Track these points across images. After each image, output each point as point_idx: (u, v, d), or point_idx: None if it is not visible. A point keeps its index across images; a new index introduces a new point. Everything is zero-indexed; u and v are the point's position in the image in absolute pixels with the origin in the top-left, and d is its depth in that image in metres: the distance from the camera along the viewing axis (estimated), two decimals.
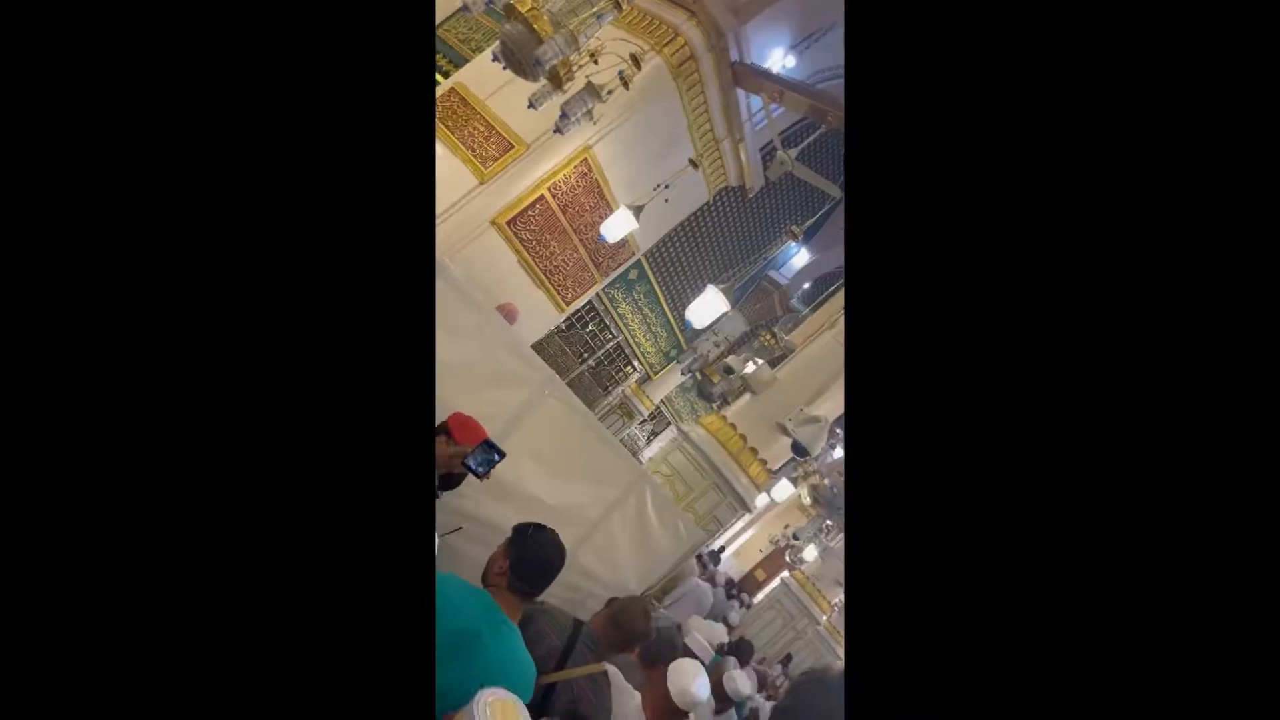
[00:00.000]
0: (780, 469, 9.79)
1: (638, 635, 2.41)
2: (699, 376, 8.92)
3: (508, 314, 4.39)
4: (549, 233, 6.66)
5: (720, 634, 6.15)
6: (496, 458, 2.46)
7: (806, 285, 10.21)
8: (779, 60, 7.11)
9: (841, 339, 5.28)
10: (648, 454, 9.99)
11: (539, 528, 2.12)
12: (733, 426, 5.21)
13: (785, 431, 4.97)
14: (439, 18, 7.40)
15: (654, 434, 10.62)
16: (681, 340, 9.64)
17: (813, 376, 5.27)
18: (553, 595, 2.55)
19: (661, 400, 10.21)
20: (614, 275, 7.67)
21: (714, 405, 8.19)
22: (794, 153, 6.19)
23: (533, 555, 2.03)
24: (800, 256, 9.66)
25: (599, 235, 5.84)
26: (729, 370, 6.36)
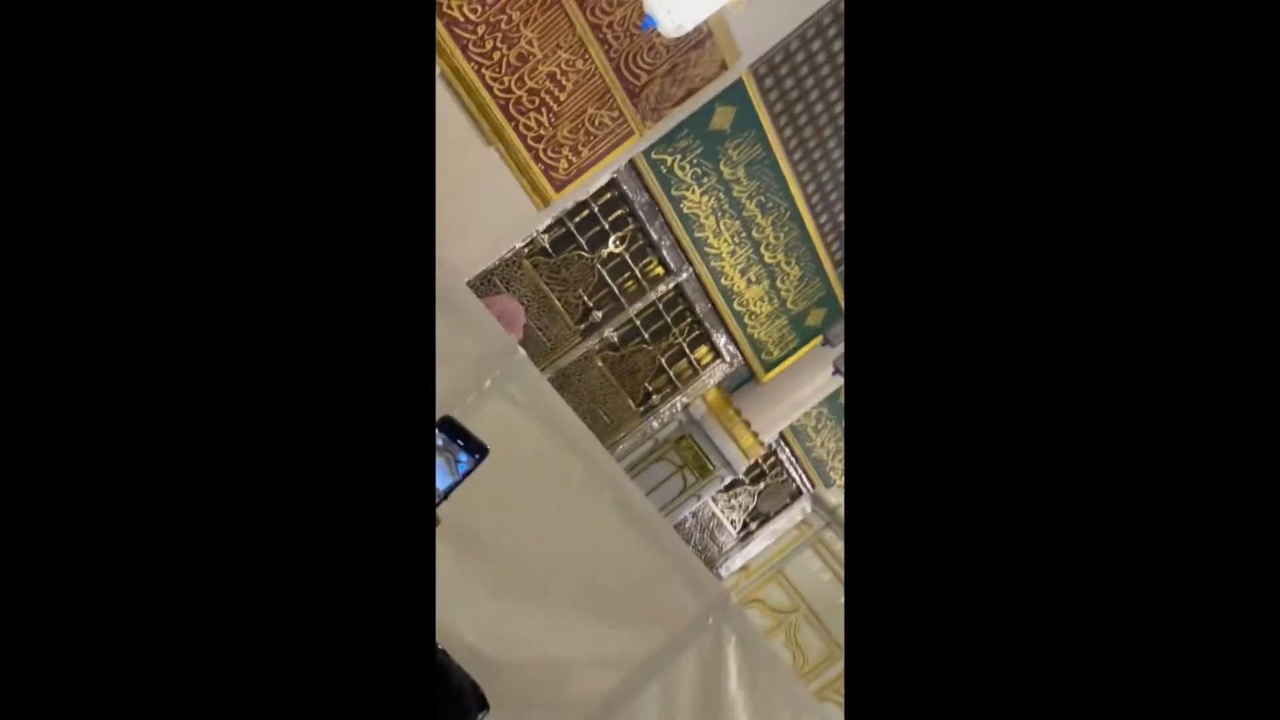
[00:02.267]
0: None
1: None
2: None
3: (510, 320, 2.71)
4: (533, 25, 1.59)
5: None
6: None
7: None
8: None
9: None
10: (741, 559, 4.44)
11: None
12: None
13: None
14: None
15: (755, 520, 4.98)
16: (836, 286, 4.12)
17: None
18: None
19: (779, 436, 4.65)
20: (678, 118, 3.21)
21: None
22: None
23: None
24: None
25: (643, 20, 2.72)
26: None
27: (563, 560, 1.84)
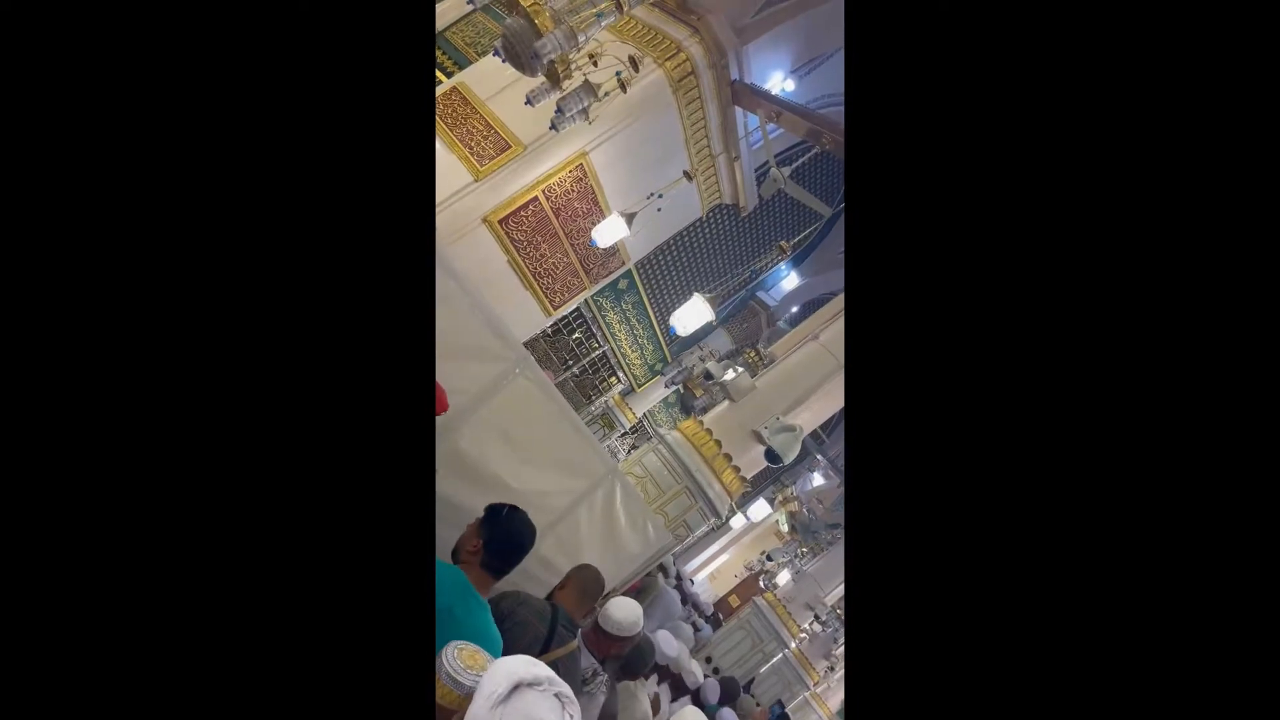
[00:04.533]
0: (759, 485, 9.78)
1: (600, 592, 2.63)
2: (682, 390, 8.91)
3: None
4: (540, 234, 6.71)
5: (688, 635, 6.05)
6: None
7: (795, 309, 10.29)
8: (778, 83, 7.24)
9: (823, 350, 5.33)
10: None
11: (512, 509, 2.19)
12: (709, 432, 5.20)
13: (760, 439, 5.00)
14: (446, 21, 7.52)
15: (634, 448, 10.65)
16: (667, 354, 9.66)
17: (792, 386, 5.30)
18: (510, 582, 2.44)
19: (644, 414, 10.23)
20: (603, 283, 7.70)
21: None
22: (788, 171, 6.29)
23: (506, 535, 2.11)
24: (790, 280, 9.74)
25: (590, 240, 5.88)
26: (709, 375, 6.31)
27: (546, 446, 3.11)
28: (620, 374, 9.66)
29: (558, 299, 6.94)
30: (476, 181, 6.16)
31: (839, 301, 6.09)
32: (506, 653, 1.96)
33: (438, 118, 6.04)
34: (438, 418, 2.57)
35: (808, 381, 5.27)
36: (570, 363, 9.33)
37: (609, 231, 5.30)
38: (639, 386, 9.85)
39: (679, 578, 8.90)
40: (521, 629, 2.21)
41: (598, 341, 9.31)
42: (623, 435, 10.25)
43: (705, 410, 7.13)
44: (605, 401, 9.67)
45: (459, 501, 2.70)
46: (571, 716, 1.16)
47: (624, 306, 9.13)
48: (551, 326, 9.12)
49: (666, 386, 8.90)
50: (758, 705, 7.69)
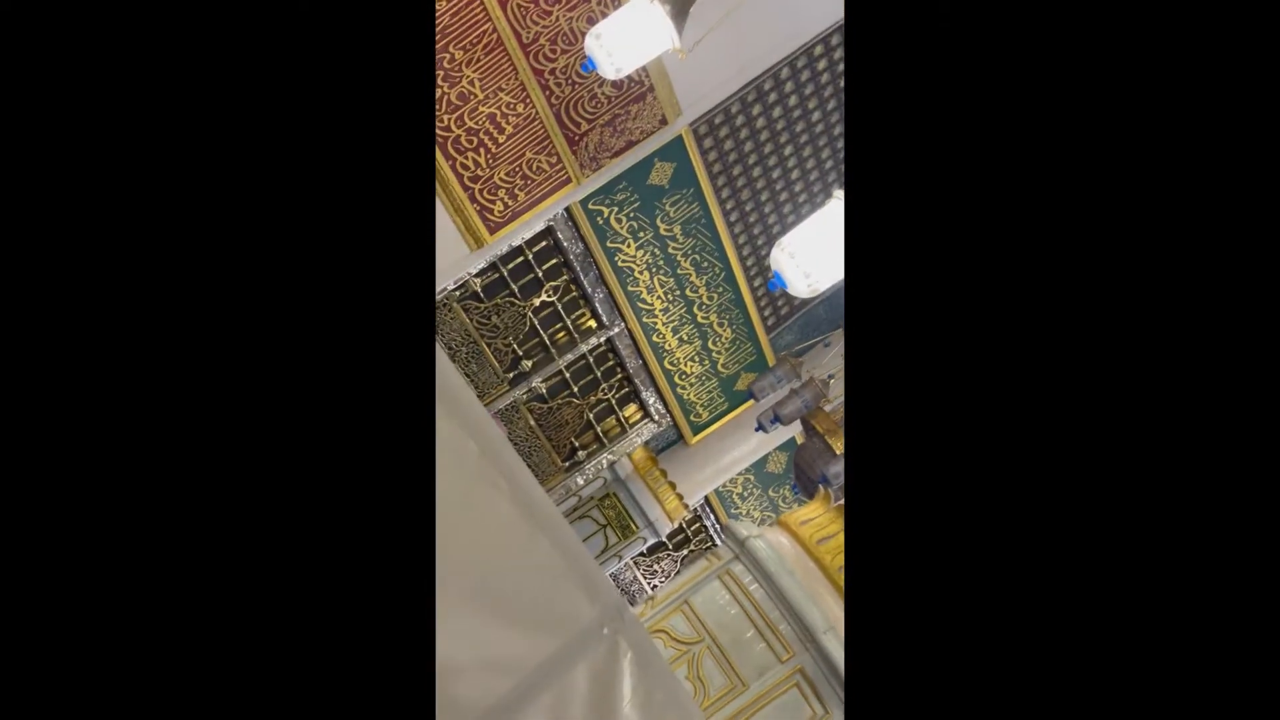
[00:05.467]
0: None
1: None
2: (807, 436, 3.81)
3: None
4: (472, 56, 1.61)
5: None
6: None
7: None
8: None
9: None
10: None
11: None
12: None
13: None
14: None
15: (670, 575, 4.86)
16: (766, 348, 4.11)
17: None
18: None
19: (701, 501, 4.52)
20: (614, 171, 3.43)
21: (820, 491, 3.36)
22: None
23: None
24: None
25: (583, 63, 2.72)
26: None
27: (454, 550, 1.59)
28: (650, 397, 4.15)
29: (504, 211, 3.36)
30: None
31: None
32: None
33: None
34: None
35: None
36: (526, 363, 3.93)
37: (630, 40, 2.51)
38: (695, 432, 4.31)
39: None
40: None
41: (595, 317, 3.94)
42: (653, 551, 4.59)
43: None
44: (609, 465, 4.12)
45: None
46: None
47: (662, 230, 3.83)
48: (482, 273, 3.87)
49: (759, 428, 3.46)
50: None
